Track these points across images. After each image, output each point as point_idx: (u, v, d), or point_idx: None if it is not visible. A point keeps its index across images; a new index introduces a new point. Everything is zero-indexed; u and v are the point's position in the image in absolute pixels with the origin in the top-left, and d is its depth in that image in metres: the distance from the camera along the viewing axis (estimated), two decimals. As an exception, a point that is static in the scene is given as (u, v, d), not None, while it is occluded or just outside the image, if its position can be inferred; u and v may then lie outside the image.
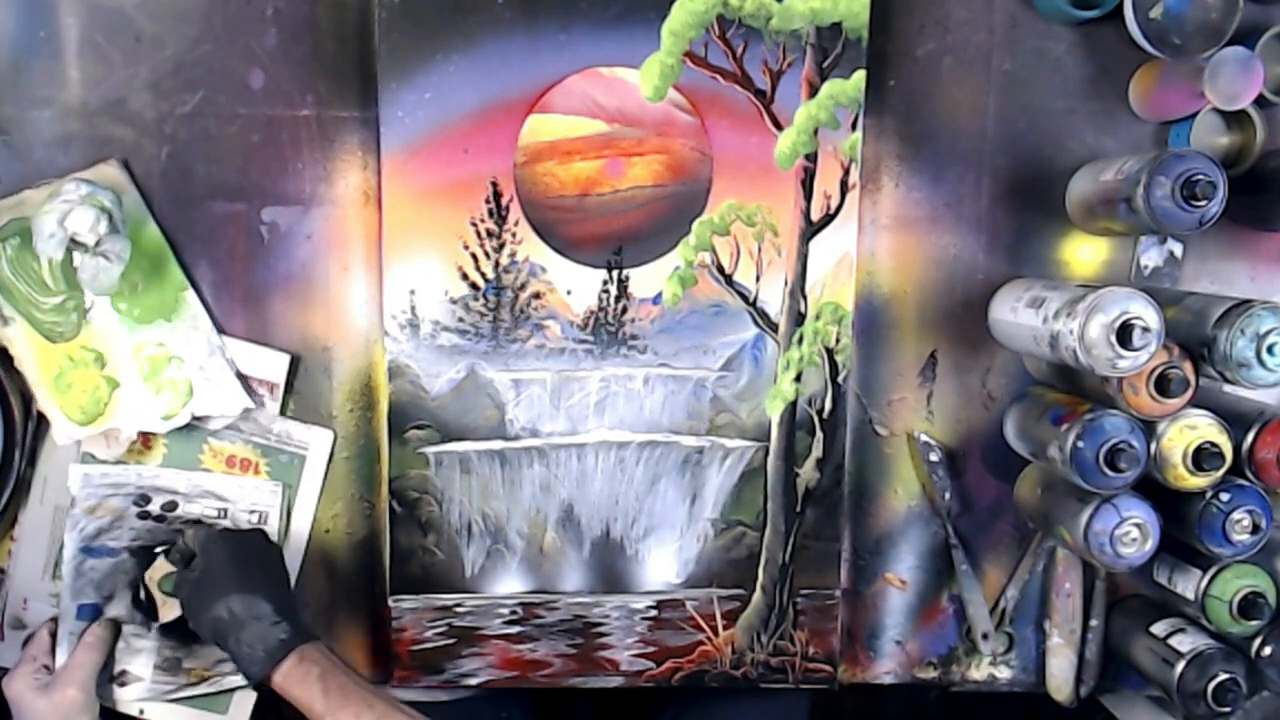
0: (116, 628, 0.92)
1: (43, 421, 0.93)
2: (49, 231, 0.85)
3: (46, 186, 0.90)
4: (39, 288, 0.91)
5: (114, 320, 0.92)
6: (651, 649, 0.99)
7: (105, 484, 0.92)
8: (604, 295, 0.95)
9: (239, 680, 0.93)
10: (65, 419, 0.92)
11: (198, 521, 0.94)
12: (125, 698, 0.93)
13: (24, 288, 0.91)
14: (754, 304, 0.96)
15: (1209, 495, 0.88)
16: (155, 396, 0.93)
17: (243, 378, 0.94)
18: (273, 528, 0.95)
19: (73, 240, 0.85)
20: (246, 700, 0.95)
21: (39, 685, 0.88)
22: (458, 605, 0.98)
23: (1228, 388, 0.91)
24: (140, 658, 0.93)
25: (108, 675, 0.92)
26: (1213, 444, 0.86)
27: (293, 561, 0.97)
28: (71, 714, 0.88)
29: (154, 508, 0.94)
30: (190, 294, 0.93)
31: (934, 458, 1.00)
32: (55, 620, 0.92)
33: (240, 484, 0.95)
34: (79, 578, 0.92)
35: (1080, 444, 0.86)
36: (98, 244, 0.85)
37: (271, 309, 0.95)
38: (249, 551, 0.91)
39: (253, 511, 0.95)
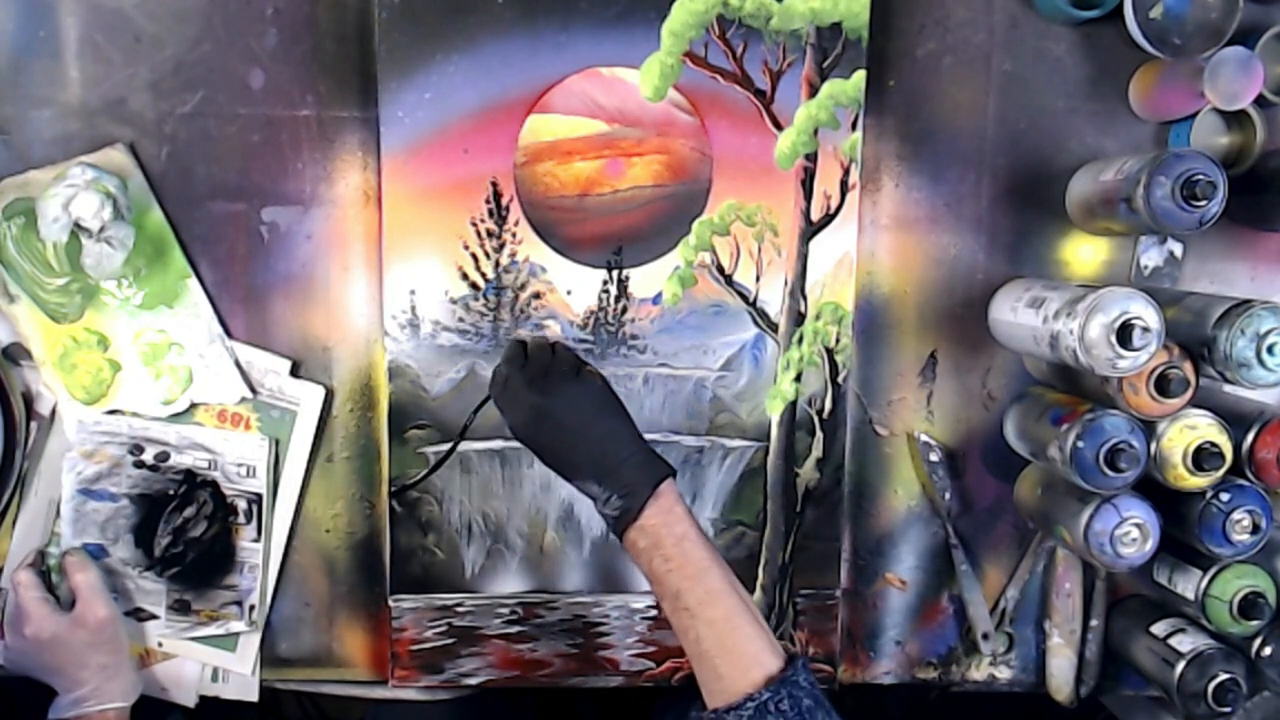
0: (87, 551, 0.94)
1: (35, 419, 0.94)
2: (53, 216, 0.85)
3: (52, 168, 0.90)
4: (43, 268, 0.91)
5: (116, 304, 0.93)
6: (651, 649, 0.99)
7: (99, 431, 0.94)
8: (604, 295, 0.95)
9: (243, 625, 0.97)
10: (69, 398, 0.93)
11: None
12: (144, 633, 0.96)
13: (29, 267, 0.91)
14: (754, 304, 0.95)
15: (1209, 495, 0.88)
16: (155, 382, 0.93)
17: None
18: (260, 481, 0.96)
19: (77, 225, 0.85)
20: (252, 640, 0.98)
21: (62, 620, 0.89)
22: (458, 605, 0.98)
23: (1228, 388, 0.91)
24: (151, 598, 0.96)
25: (121, 611, 0.95)
26: (1213, 444, 0.86)
27: (283, 523, 0.97)
28: (110, 632, 0.90)
29: (148, 457, 0.95)
30: (193, 282, 0.94)
31: (934, 458, 1.00)
32: (38, 555, 0.94)
33: (227, 438, 0.95)
34: (80, 519, 0.94)
35: (1080, 444, 0.86)
36: (102, 230, 0.85)
37: (271, 309, 0.95)
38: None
39: (240, 464, 0.95)
